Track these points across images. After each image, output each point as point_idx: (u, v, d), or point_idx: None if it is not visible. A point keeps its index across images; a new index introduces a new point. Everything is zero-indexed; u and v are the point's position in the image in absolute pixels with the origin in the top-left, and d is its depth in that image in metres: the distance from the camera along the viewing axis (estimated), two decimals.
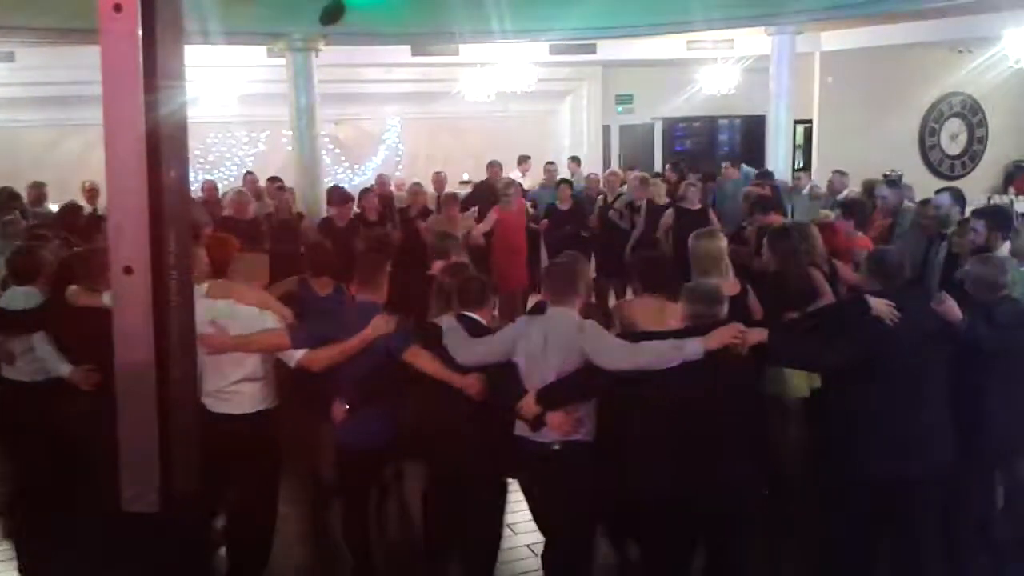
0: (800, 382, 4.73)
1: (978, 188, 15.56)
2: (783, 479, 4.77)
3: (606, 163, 16.08)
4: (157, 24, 2.80)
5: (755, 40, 12.94)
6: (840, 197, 8.96)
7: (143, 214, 2.56)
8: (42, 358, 4.96)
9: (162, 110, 2.78)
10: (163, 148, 2.77)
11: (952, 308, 4.08)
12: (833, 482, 4.23)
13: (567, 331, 4.00)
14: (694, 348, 3.70)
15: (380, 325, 4.31)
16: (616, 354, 3.89)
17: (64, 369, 4.82)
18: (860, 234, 6.74)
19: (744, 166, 12.01)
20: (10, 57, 12.54)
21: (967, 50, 14.83)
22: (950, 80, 15.74)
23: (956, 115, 16.40)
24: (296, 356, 4.46)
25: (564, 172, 13.06)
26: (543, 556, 4.32)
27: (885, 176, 13.66)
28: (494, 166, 11.86)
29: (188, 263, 2.58)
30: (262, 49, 12.51)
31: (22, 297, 5.12)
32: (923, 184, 11.36)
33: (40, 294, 5.14)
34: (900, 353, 3.95)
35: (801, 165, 14.98)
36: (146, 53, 2.75)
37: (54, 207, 9.99)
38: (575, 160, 13.75)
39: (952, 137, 16.44)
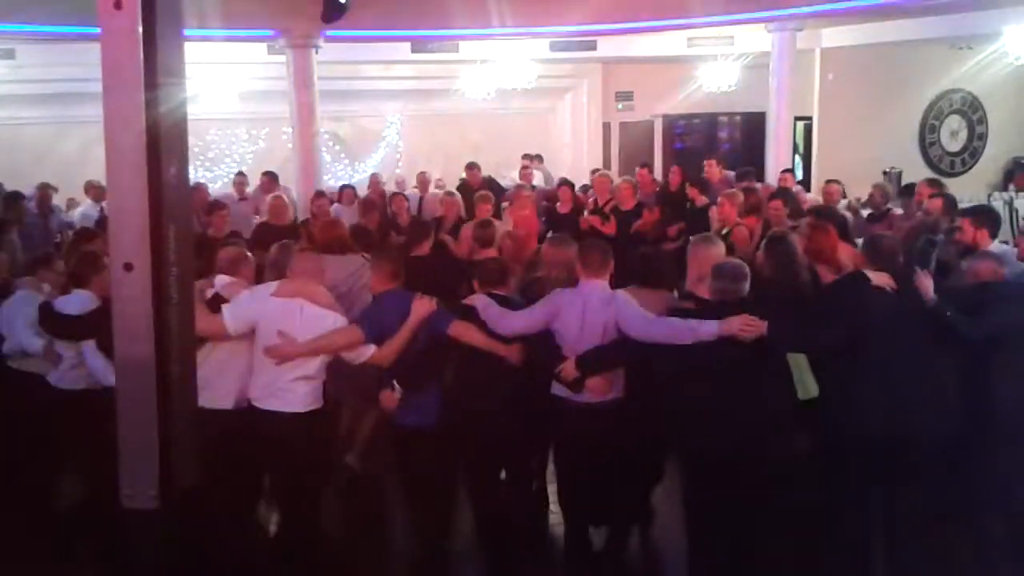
0: (810, 383, 4.75)
1: (978, 185, 15.55)
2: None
3: (606, 160, 16.09)
4: (157, 21, 2.81)
5: (755, 36, 12.94)
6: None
7: (143, 211, 2.57)
8: (92, 367, 4.84)
9: (162, 107, 2.79)
10: (163, 145, 2.78)
11: (925, 285, 4.30)
12: (828, 446, 4.44)
13: (602, 301, 4.45)
14: (708, 329, 4.08)
15: (423, 306, 4.51)
16: (636, 324, 4.31)
17: (114, 380, 4.69)
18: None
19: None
20: (10, 54, 12.53)
21: (967, 47, 14.82)
22: (950, 77, 15.72)
23: (956, 112, 16.38)
24: (366, 353, 4.45)
25: (561, 171, 13.07)
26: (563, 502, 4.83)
27: (885, 173, 13.71)
28: (473, 168, 11.45)
29: (188, 259, 2.58)
30: (262, 46, 12.51)
31: (77, 301, 4.97)
32: None
33: (94, 299, 4.98)
34: (888, 330, 4.22)
35: (789, 166, 14.97)
36: (146, 50, 2.76)
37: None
38: (537, 158, 12.78)
39: (952, 134, 16.43)
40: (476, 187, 10.30)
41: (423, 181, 11.74)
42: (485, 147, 14.48)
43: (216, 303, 4.42)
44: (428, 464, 4.67)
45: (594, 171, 11.14)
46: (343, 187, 10.67)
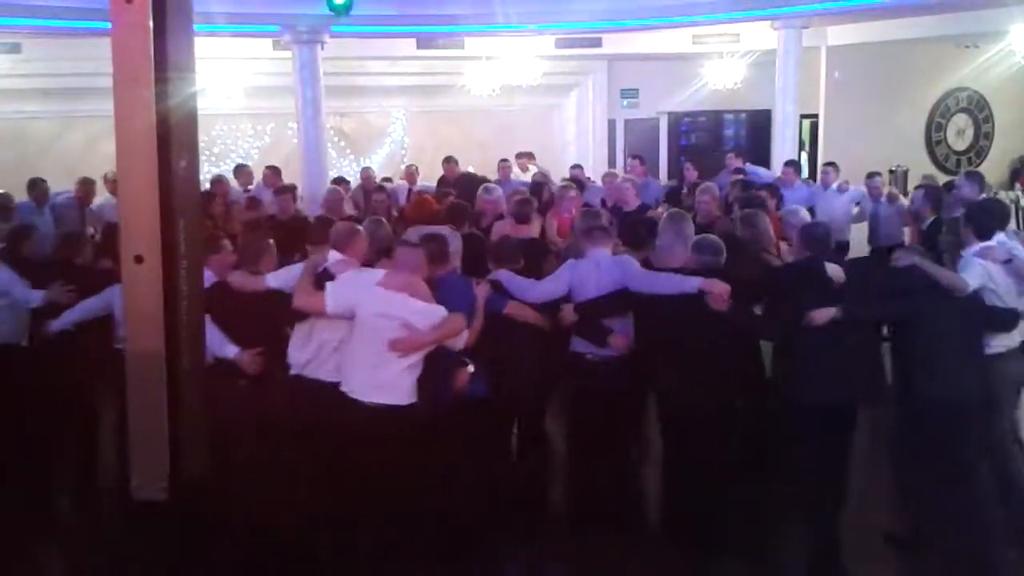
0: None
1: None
2: None
3: (611, 158, 16.07)
4: (167, 15, 2.82)
5: (761, 34, 12.92)
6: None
7: (153, 203, 2.58)
8: (208, 340, 4.92)
9: (172, 100, 2.80)
10: (173, 138, 2.79)
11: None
12: (785, 408, 4.91)
13: (611, 263, 5.20)
14: (693, 284, 4.75)
15: (484, 290, 4.96)
16: (643, 279, 5.01)
17: (231, 351, 4.77)
18: None
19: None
20: (16, 48, 12.55)
21: (974, 45, 14.78)
22: (957, 75, 15.69)
23: (963, 110, 16.35)
24: (464, 338, 4.63)
25: (566, 169, 13.01)
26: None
27: (891, 171, 13.69)
28: (450, 162, 11.33)
29: (199, 252, 2.59)
30: (268, 41, 12.51)
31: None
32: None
33: (211, 277, 5.01)
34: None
35: (794, 159, 14.93)
36: (157, 44, 2.77)
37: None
38: (528, 155, 12.67)
39: (959, 133, 16.39)
40: (453, 181, 10.33)
41: (410, 175, 11.68)
42: (490, 143, 14.45)
43: (323, 279, 4.51)
44: (488, 429, 5.03)
45: (605, 176, 10.97)
46: (335, 180, 10.66)
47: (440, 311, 4.47)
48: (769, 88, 12.49)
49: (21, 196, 12.14)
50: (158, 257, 2.58)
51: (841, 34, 14.24)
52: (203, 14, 7.84)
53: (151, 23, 2.66)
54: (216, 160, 13.89)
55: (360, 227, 5.11)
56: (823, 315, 4.60)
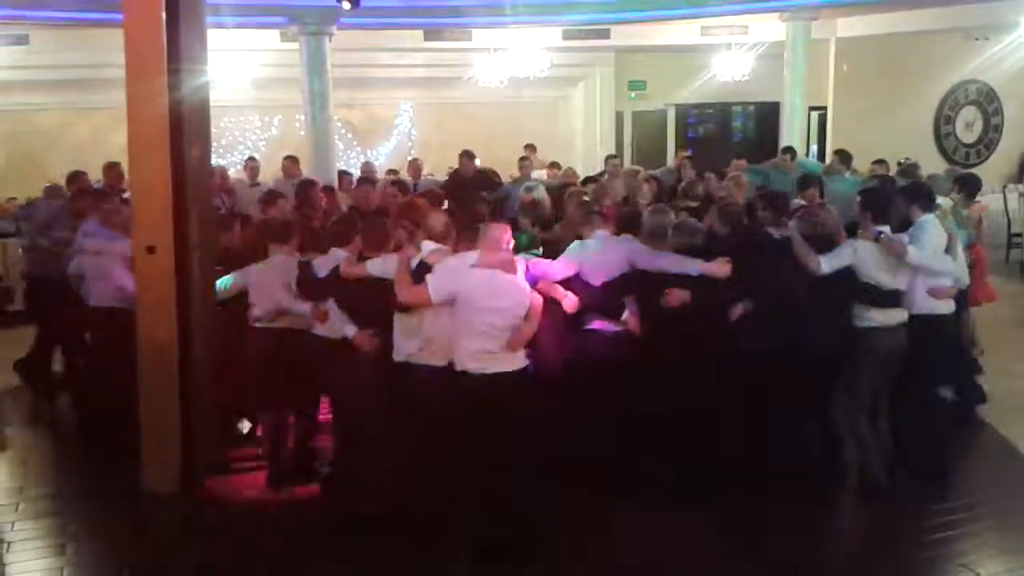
0: None
1: (993, 176, 15.46)
2: None
3: (619, 150, 16.04)
4: (180, 4, 2.81)
5: (770, 26, 12.88)
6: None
7: (166, 193, 2.57)
8: (332, 319, 5.15)
9: (185, 90, 2.79)
10: (185, 128, 2.79)
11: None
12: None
13: (616, 242, 5.58)
14: (694, 266, 5.26)
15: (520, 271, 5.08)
16: (649, 257, 5.42)
17: (350, 331, 5.00)
18: None
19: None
20: (24, 40, 12.56)
21: (983, 37, 14.73)
22: (966, 68, 15.64)
23: (972, 103, 16.29)
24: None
25: (573, 160, 13.03)
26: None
27: (900, 164, 13.64)
28: (466, 157, 10.72)
29: (211, 242, 2.58)
30: (275, 33, 12.50)
31: (332, 262, 5.26)
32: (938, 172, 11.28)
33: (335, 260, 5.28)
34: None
35: (806, 151, 14.88)
36: (169, 33, 2.76)
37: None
38: (529, 147, 12.63)
39: (967, 125, 16.34)
40: (469, 178, 10.12)
41: (414, 168, 11.58)
42: (498, 135, 14.45)
43: (422, 271, 4.67)
44: (538, 405, 5.12)
45: (609, 157, 10.96)
46: (341, 173, 10.63)
47: (528, 291, 4.82)
48: (777, 80, 12.45)
49: (28, 188, 12.23)
50: (170, 247, 2.58)
51: (850, 26, 14.19)
52: (212, 5, 7.89)
53: (164, 13, 2.65)
54: (224, 152, 13.90)
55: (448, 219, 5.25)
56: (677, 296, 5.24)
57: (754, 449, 5.38)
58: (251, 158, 11.42)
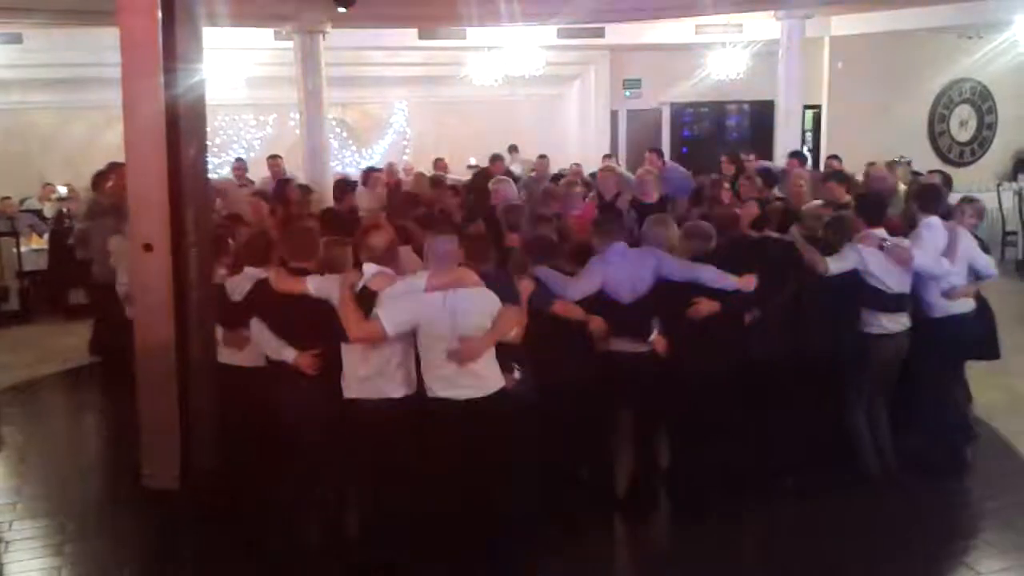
0: None
1: (987, 175, 15.50)
2: None
3: (614, 149, 16.04)
4: (176, 3, 2.81)
5: (764, 24, 12.88)
6: None
7: (162, 192, 2.57)
8: (264, 343, 4.63)
9: (181, 88, 2.79)
10: (182, 126, 2.79)
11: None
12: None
13: (640, 253, 5.27)
14: (731, 283, 5.10)
15: (528, 287, 4.83)
16: (680, 268, 5.14)
17: (289, 354, 4.52)
18: None
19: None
20: (18, 39, 12.51)
21: (977, 36, 14.76)
22: (960, 66, 15.66)
23: (966, 101, 16.32)
24: (513, 332, 4.49)
25: (569, 159, 12.98)
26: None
27: (895, 162, 13.66)
28: (497, 160, 11.20)
29: (208, 240, 2.60)
30: (269, 32, 12.48)
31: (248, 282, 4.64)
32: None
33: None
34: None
35: (799, 150, 14.90)
36: (165, 32, 2.76)
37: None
38: (513, 148, 12.78)
39: (962, 123, 16.37)
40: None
41: (408, 170, 11.63)
42: (492, 134, 14.44)
43: (366, 298, 4.26)
44: (534, 432, 4.77)
45: (607, 156, 11.01)
46: (368, 170, 10.67)
47: (487, 298, 4.36)
48: (772, 79, 12.45)
49: (23, 187, 12.21)
50: (167, 245, 2.58)
51: (844, 24, 14.21)
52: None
53: (160, 11, 2.64)
54: (218, 151, 13.88)
55: (395, 236, 4.79)
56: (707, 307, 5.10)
57: (763, 453, 5.37)
58: (238, 159, 11.44)
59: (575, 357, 5.00)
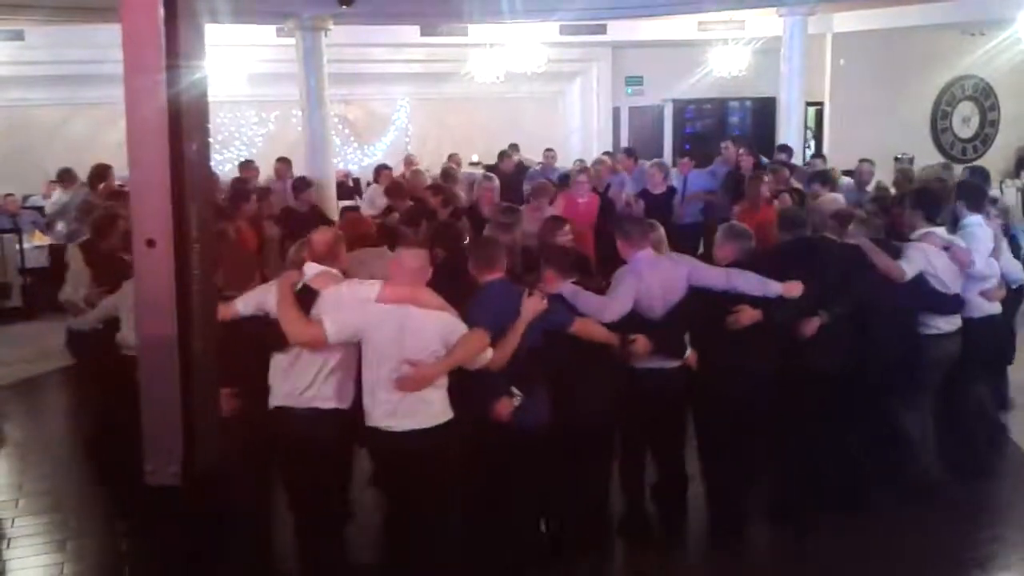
0: None
1: (990, 171, 15.46)
2: None
3: (616, 146, 16.05)
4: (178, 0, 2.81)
5: (766, 21, 12.87)
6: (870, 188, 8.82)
7: (165, 187, 2.57)
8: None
9: (183, 85, 2.79)
10: (184, 123, 2.78)
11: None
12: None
13: (670, 262, 4.85)
14: (775, 288, 4.71)
15: (535, 305, 4.24)
16: (720, 277, 4.75)
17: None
18: None
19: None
20: (19, 36, 12.53)
21: (980, 33, 14.73)
22: (963, 63, 15.64)
23: (968, 98, 16.31)
24: (486, 358, 4.04)
25: (571, 156, 12.98)
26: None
27: (897, 159, 13.64)
28: (507, 156, 11.58)
29: (211, 235, 2.61)
30: (271, 28, 12.48)
31: None
32: None
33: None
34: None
35: (813, 148, 14.89)
36: (168, 29, 2.76)
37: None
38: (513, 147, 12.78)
39: (964, 120, 16.35)
40: (510, 172, 10.33)
41: (409, 163, 11.68)
42: (494, 131, 14.45)
43: (306, 296, 3.95)
44: (543, 461, 4.38)
45: (607, 154, 11.10)
46: (380, 168, 10.70)
47: (444, 324, 3.94)
48: (774, 75, 12.45)
49: (25, 185, 12.21)
50: (170, 241, 2.58)
51: (847, 21, 14.19)
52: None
53: (161, 9, 2.64)
54: (220, 148, 13.89)
55: (341, 234, 4.47)
56: (750, 315, 4.73)
57: (804, 468, 5.16)
58: (282, 159, 11.36)
59: (595, 379, 4.54)
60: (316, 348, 3.91)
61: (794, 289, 4.71)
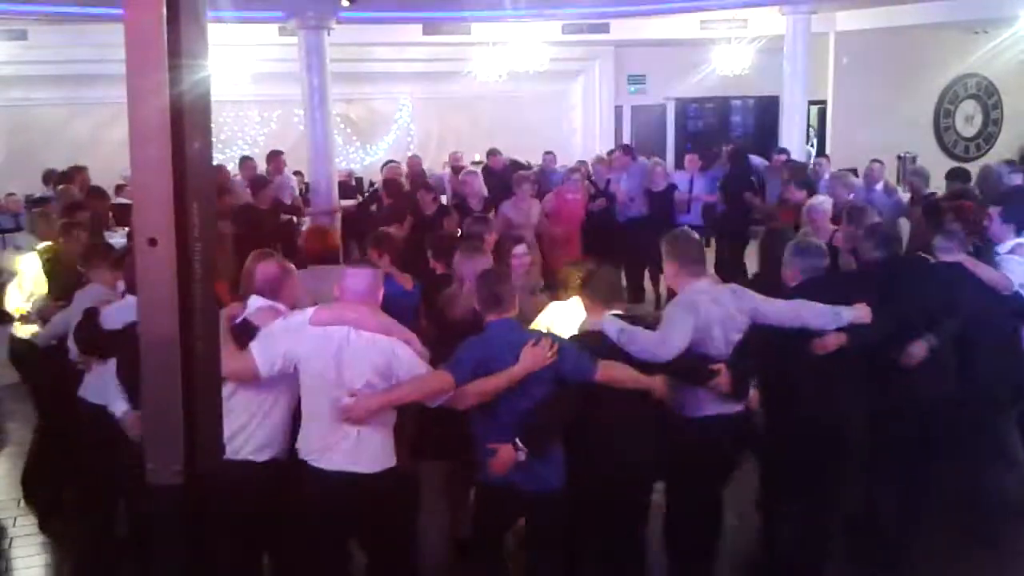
0: None
1: None
2: None
3: (618, 145, 16.05)
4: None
5: (769, 19, 12.86)
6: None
7: (167, 186, 2.56)
8: (103, 387, 4.15)
9: (185, 85, 2.79)
10: (186, 122, 2.78)
11: None
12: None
13: (730, 293, 4.16)
14: (848, 316, 4.16)
15: (537, 357, 3.66)
16: (785, 311, 4.16)
17: (120, 407, 3.99)
18: None
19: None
20: (23, 35, 12.55)
21: (983, 31, 14.71)
22: (966, 61, 15.62)
23: (971, 96, 16.29)
24: (442, 397, 3.62)
25: (573, 155, 12.97)
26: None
27: (900, 158, 13.62)
28: (495, 154, 11.71)
29: (213, 235, 2.60)
30: (274, 28, 12.49)
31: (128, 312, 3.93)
32: (937, 165, 11.28)
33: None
34: None
35: (815, 146, 14.89)
36: (170, 27, 2.76)
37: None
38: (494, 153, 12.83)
39: (967, 119, 16.33)
40: (499, 171, 10.39)
41: (411, 163, 11.69)
42: (497, 130, 14.45)
43: (245, 333, 3.59)
44: (554, 533, 3.86)
45: (610, 152, 11.16)
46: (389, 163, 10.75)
47: (392, 349, 3.54)
48: (777, 74, 12.43)
49: (27, 184, 12.22)
50: (172, 240, 2.56)
51: (850, 19, 14.18)
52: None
53: (164, 9, 2.63)
54: (222, 147, 13.90)
55: (291, 267, 4.03)
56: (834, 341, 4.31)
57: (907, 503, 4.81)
58: (247, 158, 11.44)
59: (633, 434, 3.88)
60: (248, 380, 3.51)
61: (864, 315, 4.19)
